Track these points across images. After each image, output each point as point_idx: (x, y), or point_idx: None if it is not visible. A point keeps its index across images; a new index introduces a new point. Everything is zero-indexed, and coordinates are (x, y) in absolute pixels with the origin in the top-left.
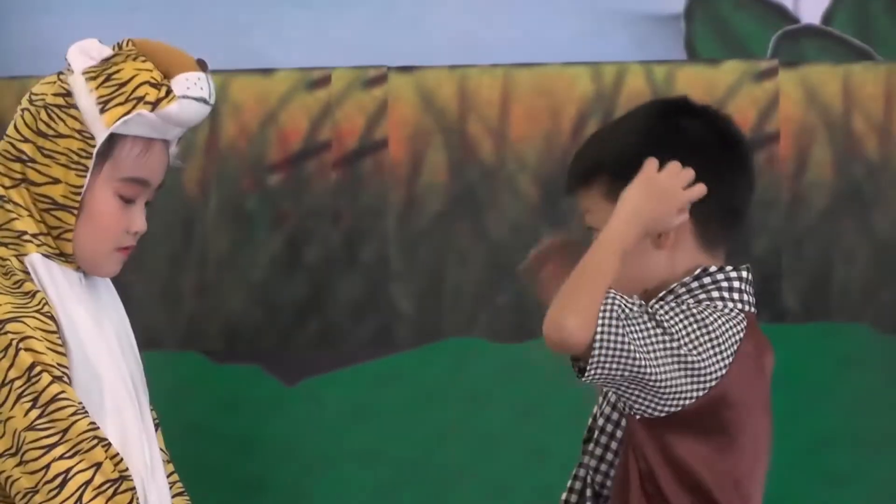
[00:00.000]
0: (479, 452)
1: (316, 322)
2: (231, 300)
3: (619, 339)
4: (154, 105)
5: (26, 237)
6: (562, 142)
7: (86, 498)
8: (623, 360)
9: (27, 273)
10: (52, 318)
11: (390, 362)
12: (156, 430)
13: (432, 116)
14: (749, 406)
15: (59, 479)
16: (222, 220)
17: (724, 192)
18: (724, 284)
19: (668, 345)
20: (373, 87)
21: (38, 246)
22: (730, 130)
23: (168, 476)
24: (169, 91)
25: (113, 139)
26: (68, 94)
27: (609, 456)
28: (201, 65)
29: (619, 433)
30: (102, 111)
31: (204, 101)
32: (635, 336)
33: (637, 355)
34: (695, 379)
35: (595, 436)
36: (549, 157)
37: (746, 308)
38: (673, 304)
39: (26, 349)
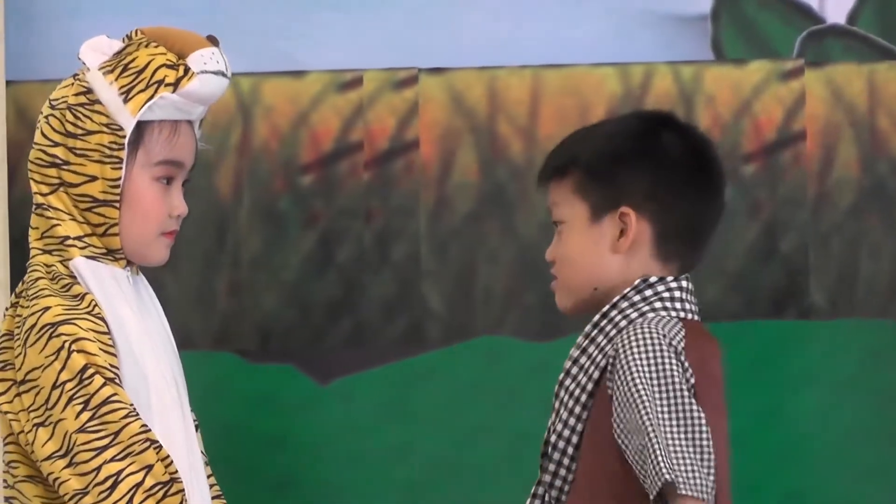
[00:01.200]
0: (510, 450)
1: (348, 321)
2: (264, 300)
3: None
4: (175, 86)
5: (69, 242)
6: None
7: (136, 500)
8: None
9: (73, 277)
10: (102, 319)
11: (422, 361)
12: (196, 432)
13: (462, 117)
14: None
15: (110, 482)
16: (255, 221)
17: (690, 210)
18: (666, 294)
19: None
20: (403, 88)
21: (81, 249)
22: (708, 153)
23: (209, 476)
24: (187, 69)
25: (141, 127)
26: (89, 91)
27: (562, 472)
28: (212, 40)
29: (570, 450)
30: (126, 101)
31: (222, 73)
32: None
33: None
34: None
35: (549, 451)
36: None
37: (687, 316)
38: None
39: (79, 351)
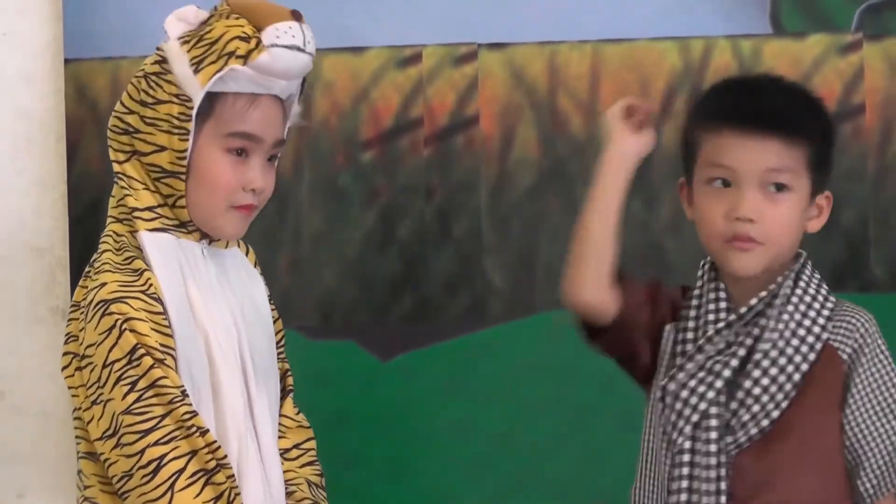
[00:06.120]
0: (572, 424)
1: (409, 297)
2: (325, 276)
3: None
4: (245, 58)
5: (136, 213)
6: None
7: (178, 486)
8: None
9: (139, 249)
10: (157, 299)
11: (483, 337)
12: (287, 396)
13: (523, 92)
14: None
15: (153, 466)
16: (316, 197)
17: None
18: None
19: None
20: (463, 63)
21: (147, 221)
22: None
23: (303, 443)
24: (259, 42)
25: (214, 98)
26: (164, 60)
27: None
28: (296, 15)
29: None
30: (196, 72)
31: (297, 48)
32: None
33: None
34: None
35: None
36: None
37: None
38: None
39: (130, 330)
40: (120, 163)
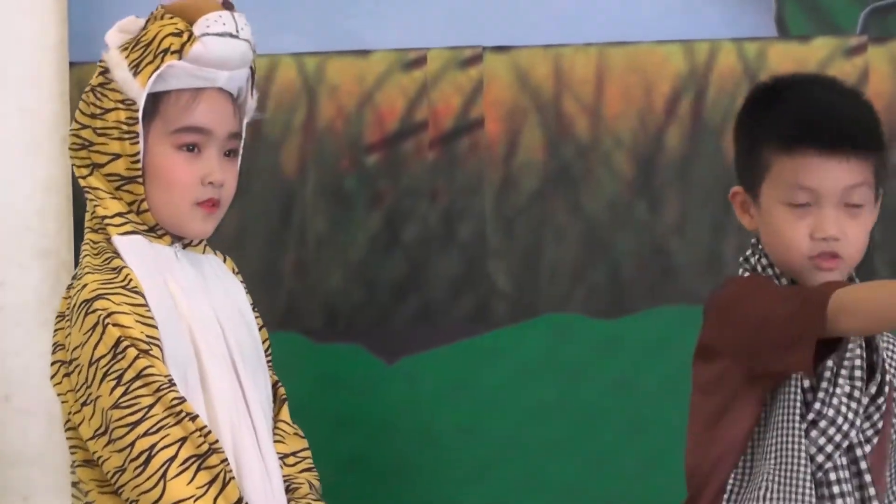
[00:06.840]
0: (576, 427)
1: (414, 300)
2: (330, 279)
3: None
4: (180, 52)
5: (107, 220)
6: (655, 119)
7: (170, 474)
8: None
9: (116, 252)
10: (138, 292)
11: (488, 339)
12: (283, 405)
13: (528, 95)
14: None
15: (144, 457)
16: (320, 200)
17: None
18: None
19: None
20: (468, 66)
21: (119, 226)
22: None
23: (300, 451)
24: (191, 35)
25: (158, 98)
26: (106, 70)
27: None
28: (226, 5)
29: None
30: (136, 74)
31: (229, 35)
32: None
33: None
34: None
35: None
36: (644, 133)
37: None
38: None
39: (114, 324)
40: (84, 177)
